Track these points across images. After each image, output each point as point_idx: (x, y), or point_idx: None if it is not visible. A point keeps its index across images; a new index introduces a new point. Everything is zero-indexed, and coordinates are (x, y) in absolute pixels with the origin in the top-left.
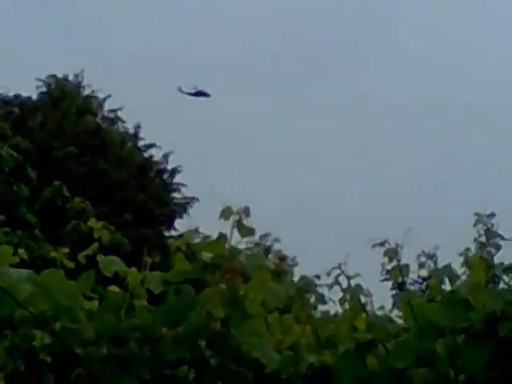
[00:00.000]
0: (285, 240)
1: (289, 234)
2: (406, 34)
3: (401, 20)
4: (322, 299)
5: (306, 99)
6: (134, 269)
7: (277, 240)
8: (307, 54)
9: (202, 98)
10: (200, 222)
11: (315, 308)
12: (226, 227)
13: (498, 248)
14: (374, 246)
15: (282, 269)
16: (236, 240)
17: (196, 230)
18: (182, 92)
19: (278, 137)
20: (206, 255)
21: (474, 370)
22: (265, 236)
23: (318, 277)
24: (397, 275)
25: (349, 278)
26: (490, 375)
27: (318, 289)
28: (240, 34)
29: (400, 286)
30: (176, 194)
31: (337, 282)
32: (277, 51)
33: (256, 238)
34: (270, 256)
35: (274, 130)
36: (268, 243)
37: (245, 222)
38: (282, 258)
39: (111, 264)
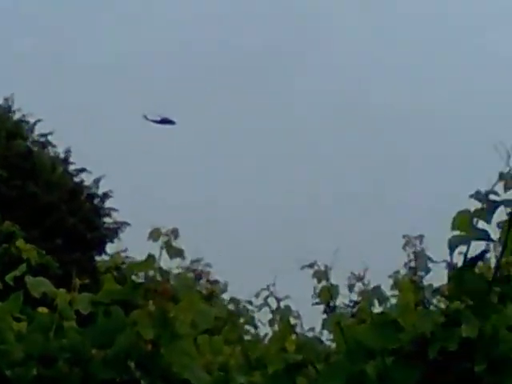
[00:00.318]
0: (216, 264)
1: (220, 256)
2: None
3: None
4: (252, 321)
5: (240, 103)
6: (62, 290)
7: (208, 265)
8: (240, 59)
9: (167, 126)
10: (131, 247)
11: (246, 331)
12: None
13: (428, 270)
14: (303, 267)
15: (213, 292)
16: (166, 262)
17: (125, 253)
18: (147, 119)
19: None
20: (135, 276)
21: None
22: (196, 261)
23: (250, 302)
24: (326, 296)
25: (278, 299)
26: None
27: (249, 312)
28: (175, 35)
29: (330, 308)
30: (107, 219)
31: (266, 304)
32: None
33: (187, 262)
34: (201, 281)
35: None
36: (199, 268)
37: (174, 243)
38: (213, 282)
39: (39, 285)
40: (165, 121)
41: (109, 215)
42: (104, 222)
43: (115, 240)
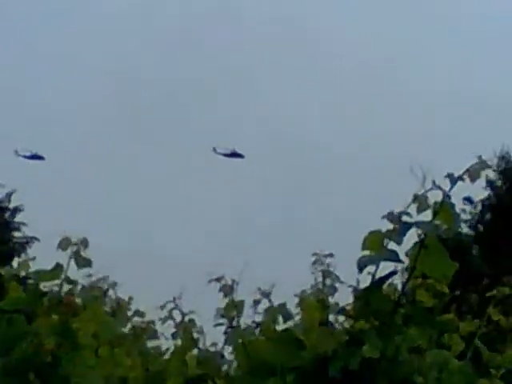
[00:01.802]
0: (122, 279)
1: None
2: None
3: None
4: (154, 334)
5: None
6: None
7: (115, 284)
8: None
9: (237, 159)
10: (41, 261)
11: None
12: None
13: (334, 290)
14: (210, 281)
15: (118, 304)
16: (73, 272)
17: (33, 261)
18: (216, 153)
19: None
20: (42, 285)
21: None
22: (102, 279)
23: (153, 322)
24: (231, 311)
25: (183, 313)
26: None
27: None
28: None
29: (233, 325)
30: (16, 233)
31: (170, 317)
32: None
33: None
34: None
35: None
36: (105, 286)
37: (83, 253)
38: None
39: None
40: (235, 154)
41: (18, 229)
42: (13, 236)
43: (23, 255)
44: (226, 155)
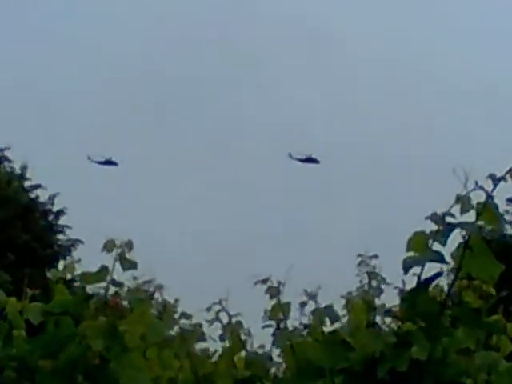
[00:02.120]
0: (166, 282)
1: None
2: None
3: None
4: (201, 336)
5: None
6: (13, 299)
7: (160, 286)
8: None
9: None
10: (85, 263)
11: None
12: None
13: (380, 291)
14: (256, 283)
15: (165, 307)
16: (119, 274)
17: (78, 264)
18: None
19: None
20: (88, 287)
21: None
22: (148, 282)
23: (200, 325)
24: (277, 313)
25: (230, 315)
26: None
27: (199, 327)
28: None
29: (280, 327)
30: (60, 236)
31: (217, 319)
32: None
33: (140, 281)
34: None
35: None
36: (151, 289)
37: (128, 255)
38: (165, 301)
39: None
40: (309, 159)
41: (62, 232)
42: (57, 239)
43: (68, 257)
44: (301, 160)
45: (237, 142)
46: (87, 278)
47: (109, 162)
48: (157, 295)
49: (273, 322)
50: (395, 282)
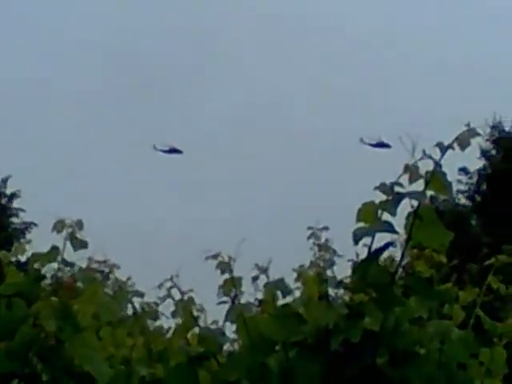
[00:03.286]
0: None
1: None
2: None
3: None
4: (155, 314)
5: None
6: None
7: (114, 266)
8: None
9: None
10: (38, 246)
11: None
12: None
13: (332, 263)
14: (207, 258)
15: (120, 289)
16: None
17: (30, 244)
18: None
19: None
20: (39, 267)
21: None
22: (104, 262)
23: (156, 304)
24: (229, 288)
25: (182, 291)
26: None
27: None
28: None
29: (233, 300)
30: (14, 219)
31: (169, 295)
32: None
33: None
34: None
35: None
36: (106, 269)
37: (78, 235)
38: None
39: None
40: (173, 150)
41: (16, 215)
42: (11, 223)
43: (21, 240)
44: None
45: None
46: (37, 257)
47: (174, 151)
48: (111, 275)
49: (227, 299)
50: (348, 255)
